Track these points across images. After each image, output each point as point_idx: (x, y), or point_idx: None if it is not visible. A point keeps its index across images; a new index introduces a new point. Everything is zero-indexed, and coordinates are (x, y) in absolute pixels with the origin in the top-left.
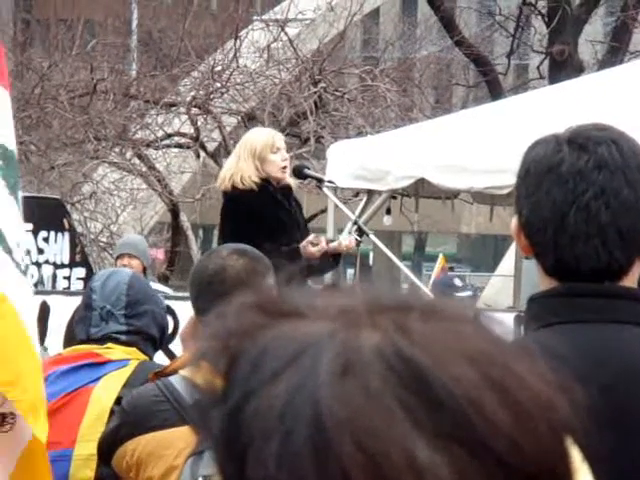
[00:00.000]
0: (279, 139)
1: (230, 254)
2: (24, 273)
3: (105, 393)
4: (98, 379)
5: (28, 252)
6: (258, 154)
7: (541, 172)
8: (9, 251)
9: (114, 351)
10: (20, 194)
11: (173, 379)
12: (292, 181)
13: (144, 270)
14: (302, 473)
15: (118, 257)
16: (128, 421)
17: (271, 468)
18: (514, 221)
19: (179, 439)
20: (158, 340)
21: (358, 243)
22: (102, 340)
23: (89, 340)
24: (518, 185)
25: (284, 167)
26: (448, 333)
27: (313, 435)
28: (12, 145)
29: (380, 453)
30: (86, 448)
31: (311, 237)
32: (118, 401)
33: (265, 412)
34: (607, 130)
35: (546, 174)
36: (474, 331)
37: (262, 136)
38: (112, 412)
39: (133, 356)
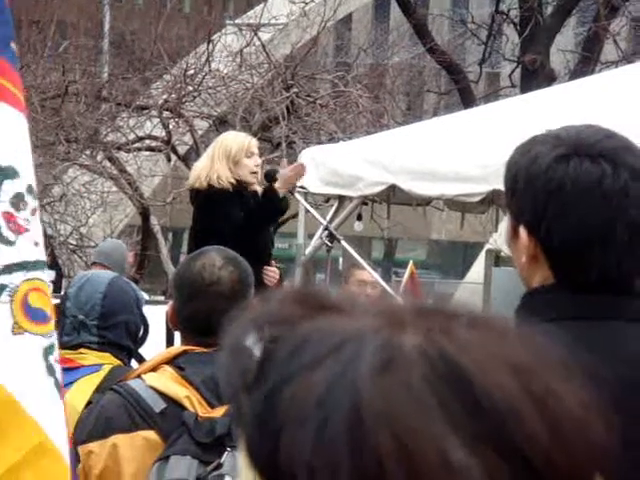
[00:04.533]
0: (254, 144)
1: (225, 264)
2: None
3: (77, 397)
4: (70, 384)
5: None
6: (233, 156)
7: (583, 189)
8: None
9: (87, 356)
10: None
11: (135, 385)
12: (258, 187)
13: None
14: (336, 460)
15: (92, 265)
16: (89, 428)
17: (305, 453)
18: (523, 232)
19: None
20: (132, 349)
21: (329, 249)
22: (74, 347)
23: (61, 346)
24: (541, 200)
25: (255, 172)
26: (492, 341)
27: (350, 424)
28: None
29: (416, 448)
30: None
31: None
32: (89, 405)
33: (302, 398)
34: (617, 136)
35: (589, 191)
36: (517, 343)
37: (238, 139)
38: None
39: (106, 361)
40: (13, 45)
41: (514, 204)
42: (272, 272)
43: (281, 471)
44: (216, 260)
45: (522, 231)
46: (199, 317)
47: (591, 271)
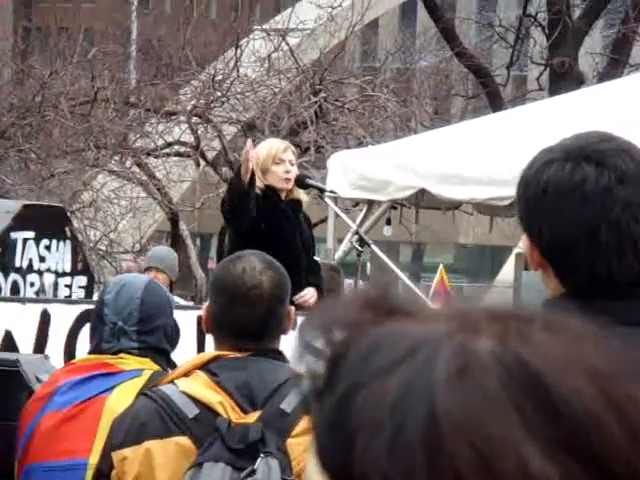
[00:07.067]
0: (283, 150)
1: (265, 269)
2: None
3: (119, 402)
4: (111, 389)
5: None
6: (261, 164)
7: (563, 191)
8: None
9: (127, 361)
10: None
11: (168, 390)
12: (305, 197)
13: (171, 284)
14: (413, 468)
15: (146, 270)
16: (122, 434)
17: (380, 460)
18: (525, 239)
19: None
20: (170, 352)
21: (359, 253)
22: (114, 353)
23: (101, 353)
24: (532, 204)
25: (287, 178)
26: (568, 345)
27: (426, 431)
28: None
29: (493, 456)
30: None
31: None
32: None
33: (377, 403)
34: (614, 140)
35: (570, 193)
36: (595, 348)
37: (266, 147)
38: None
39: (147, 366)
40: None
41: (518, 212)
42: (305, 297)
43: (355, 477)
44: (256, 264)
45: (524, 238)
46: (238, 321)
47: (580, 274)
